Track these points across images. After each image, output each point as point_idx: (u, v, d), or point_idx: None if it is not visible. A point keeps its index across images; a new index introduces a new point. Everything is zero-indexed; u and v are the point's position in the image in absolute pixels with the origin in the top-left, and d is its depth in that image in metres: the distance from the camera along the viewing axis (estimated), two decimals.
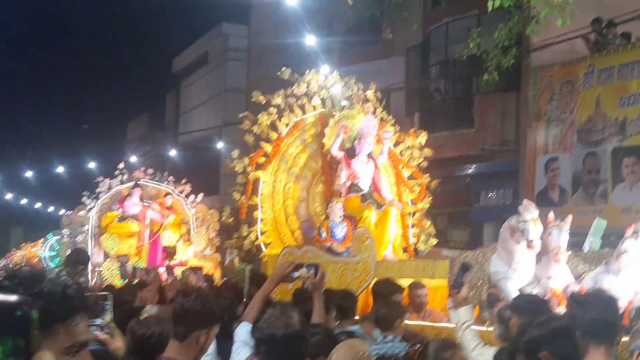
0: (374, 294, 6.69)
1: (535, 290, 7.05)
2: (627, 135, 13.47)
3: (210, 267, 15.27)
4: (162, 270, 12.01)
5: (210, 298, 3.60)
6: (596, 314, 3.27)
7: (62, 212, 22.86)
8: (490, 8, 10.54)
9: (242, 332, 3.77)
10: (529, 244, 6.99)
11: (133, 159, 25.90)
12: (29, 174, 30.01)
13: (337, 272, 9.43)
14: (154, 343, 3.51)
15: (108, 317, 2.82)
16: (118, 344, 2.81)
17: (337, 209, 10.72)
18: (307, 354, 3.29)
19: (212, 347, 3.80)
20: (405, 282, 8.72)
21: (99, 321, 2.78)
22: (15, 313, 0.52)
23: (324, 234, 10.62)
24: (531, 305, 4.63)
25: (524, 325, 3.39)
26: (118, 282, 13.15)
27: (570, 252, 7.48)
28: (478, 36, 13.92)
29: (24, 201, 36.19)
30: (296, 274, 4.32)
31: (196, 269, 11.35)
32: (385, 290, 6.54)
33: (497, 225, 8.06)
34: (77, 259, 8.79)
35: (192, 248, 16.09)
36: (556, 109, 15.14)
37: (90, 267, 13.66)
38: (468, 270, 4.98)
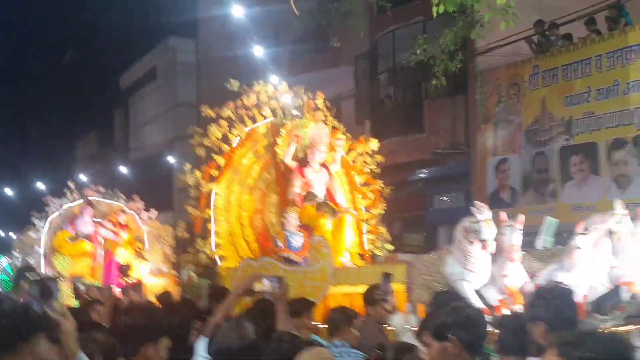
0: (364, 300, 6.68)
1: (491, 290, 7.14)
2: (573, 134, 13.74)
3: (168, 284, 15.10)
4: (117, 290, 11.83)
5: (150, 312, 3.56)
6: (557, 307, 3.36)
7: (11, 234, 22.40)
8: (435, 14, 10.66)
9: (201, 347, 3.73)
10: (483, 245, 7.08)
11: (83, 177, 25.54)
12: None
13: (295, 282, 9.38)
14: None
15: (58, 302, 2.78)
16: (70, 325, 2.76)
17: (293, 219, 10.70)
18: None
19: None
20: (364, 289, 8.75)
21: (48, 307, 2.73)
22: None
23: (280, 245, 10.59)
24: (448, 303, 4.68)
25: (434, 310, 3.42)
26: (72, 303, 12.91)
27: (523, 251, 7.60)
28: (424, 42, 14.11)
29: None
30: (259, 287, 4.30)
31: (135, 286, 11.20)
32: (374, 295, 6.46)
33: (452, 228, 8.11)
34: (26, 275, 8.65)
35: (146, 265, 15.88)
36: (503, 111, 15.38)
37: None
38: (390, 279, 5.10)
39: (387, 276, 5.18)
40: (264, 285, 4.28)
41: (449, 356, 3.10)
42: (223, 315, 4.01)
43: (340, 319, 5.46)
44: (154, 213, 16.76)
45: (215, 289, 9.78)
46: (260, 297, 5.83)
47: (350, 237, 11.15)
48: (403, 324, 4.80)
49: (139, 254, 15.90)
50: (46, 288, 2.78)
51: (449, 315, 3.19)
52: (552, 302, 3.36)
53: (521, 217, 7.35)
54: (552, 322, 3.31)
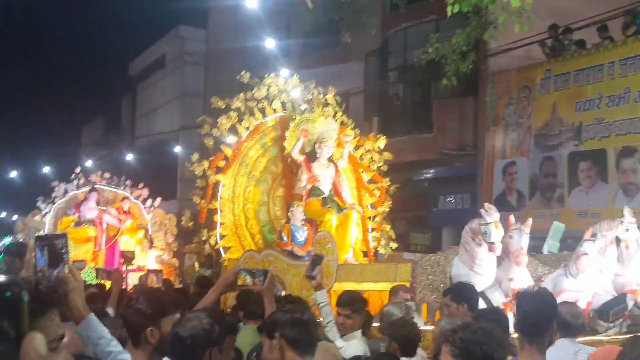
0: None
1: (496, 293, 7.10)
2: (583, 139, 13.68)
3: (167, 273, 15.12)
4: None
5: (149, 296, 3.54)
6: (526, 312, 3.65)
7: (15, 217, 22.37)
8: (449, 13, 10.59)
9: None
10: (490, 247, 7.03)
11: (89, 163, 25.52)
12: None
13: (298, 276, 9.38)
14: None
15: (67, 265, 2.70)
16: (78, 285, 2.71)
17: (298, 213, 10.68)
18: None
19: None
20: (367, 286, 8.74)
21: (57, 271, 2.67)
22: (4, 294, 0.46)
23: (284, 238, 10.57)
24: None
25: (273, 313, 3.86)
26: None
27: (530, 256, 7.55)
28: (436, 41, 14.02)
29: None
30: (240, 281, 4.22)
31: (156, 272, 11.26)
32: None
33: (456, 229, 8.11)
34: (18, 251, 8.90)
35: (153, 252, 15.91)
36: (513, 114, 15.32)
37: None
38: (320, 262, 5.67)
39: (316, 258, 5.67)
40: (246, 281, 4.22)
41: (275, 352, 3.48)
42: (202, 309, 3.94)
43: None
44: (157, 201, 16.78)
45: (201, 280, 9.84)
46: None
47: (354, 233, 11.12)
48: (322, 299, 5.54)
49: (142, 242, 15.90)
50: (55, 252, 2.70)
51: (278, 315, 3.61)
52: (522, 307, 3.72)
53: (529, 221, 7.30)
54: (520, 326, 3.72)
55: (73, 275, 2.72)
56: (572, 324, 4.74)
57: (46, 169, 25.46)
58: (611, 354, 4.04)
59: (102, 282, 9.89)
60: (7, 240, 19.84)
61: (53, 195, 15.93)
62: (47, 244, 2.71)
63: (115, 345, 2.88)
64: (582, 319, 4.80)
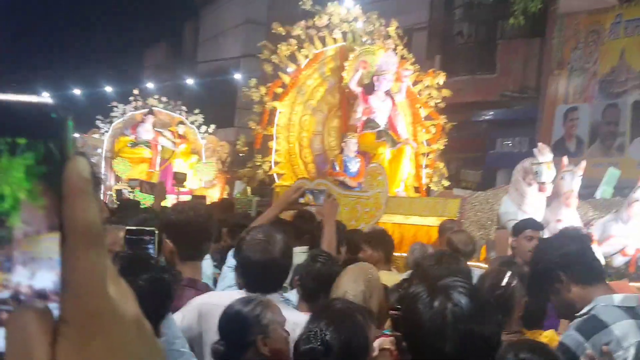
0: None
1: (545, 234, 7.05)
2: None
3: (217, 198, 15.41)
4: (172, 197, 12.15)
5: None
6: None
7: (75, 135, 22.94)
8: None
9: (231, 258, 3.53)
10: (541, 187, 6.98)
11: (149, 85, 25.81)
12: (44, 95, 30.01)
13: (348, 206, 9.46)
14: None
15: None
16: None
17: (352, 144, 10.72)
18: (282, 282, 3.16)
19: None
20: (415, 220, 8.78)
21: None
22: (50, 115, 0.47)
23: (337, 168, 10.64)
24: None
25: None
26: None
27: (581, 200, 7.46)
28: None
29: None
30: (302, 200, 4.24)
31: (200, 197, 11.52)
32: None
33: (511, 172, 7.99)
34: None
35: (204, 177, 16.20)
36: (580, 58, 14.91)
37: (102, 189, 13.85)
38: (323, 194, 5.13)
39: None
40: (310, 199, 4.24)
41: None
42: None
43: None
44: (212, 127, 17.00)
45: (222, 202, 10.00)
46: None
47: (407, 168, 11.12)
48: None
49: (195, 166, 16.13)
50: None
51: None
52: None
53: (583, 163, 7.19)
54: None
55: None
56: (462, 250, 5.04)
57: (107, 89, 25.82)
58: None
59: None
60: None
61: (112, 114, 16.26)
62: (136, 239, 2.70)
63: None
64: (471, 246, 5.18)
